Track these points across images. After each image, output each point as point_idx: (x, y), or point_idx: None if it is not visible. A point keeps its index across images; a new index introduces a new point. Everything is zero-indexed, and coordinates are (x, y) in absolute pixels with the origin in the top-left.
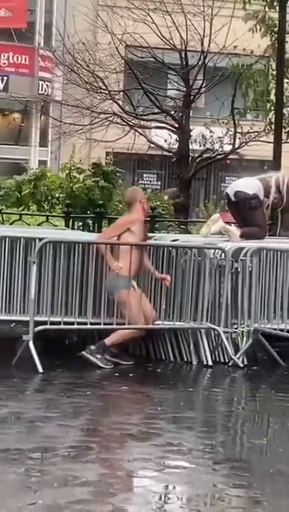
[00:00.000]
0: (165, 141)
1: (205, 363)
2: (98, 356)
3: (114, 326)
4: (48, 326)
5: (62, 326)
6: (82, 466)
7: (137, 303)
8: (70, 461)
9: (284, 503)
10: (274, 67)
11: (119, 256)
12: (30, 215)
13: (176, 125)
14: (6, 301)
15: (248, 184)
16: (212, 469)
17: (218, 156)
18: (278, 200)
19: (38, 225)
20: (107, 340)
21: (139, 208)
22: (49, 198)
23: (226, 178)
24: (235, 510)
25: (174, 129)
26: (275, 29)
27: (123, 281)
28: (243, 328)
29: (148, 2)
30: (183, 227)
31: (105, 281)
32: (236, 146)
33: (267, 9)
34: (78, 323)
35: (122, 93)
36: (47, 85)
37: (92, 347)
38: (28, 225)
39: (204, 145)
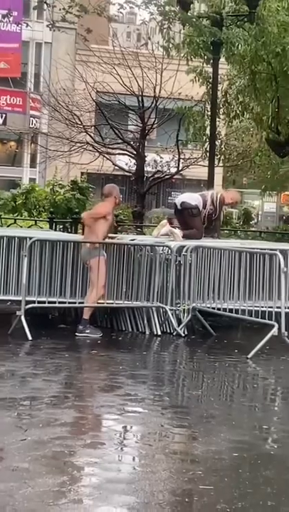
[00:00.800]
0: (126, 164)
1: (155, 333)
2: (87, 331)
3: (86, 305)
4: (35, 305)
5: (46, 305)
6: (62, 411)
7: (105, 270)
8: (52, 407)
9: (214, 439)
10: (209, 109)
11: (94, 232)
12: (22, 219)
13: (135, 152)
14: (3, 285)
15: (191, 197)
16: (160, 413)
17: (166, 176)
18: (213, 211)
19: (29, 227)
20: (85, 315)
21: (113, 201)
22: (37, 206)
23: (172, 193)
24: (178, 445)
25: (133, 155)
26: (210, 80)
27: (95, 252)
28: (184, 306)
29: (114, 58)
30: (139, 229)
31: (81, 252)
32: (180, 168)
33: (204, 65)
34: (59, 302)
35: (93, 127)
36: (36, 121)
37: (80, 327)
38: (21, 227)
39: (156, 168)
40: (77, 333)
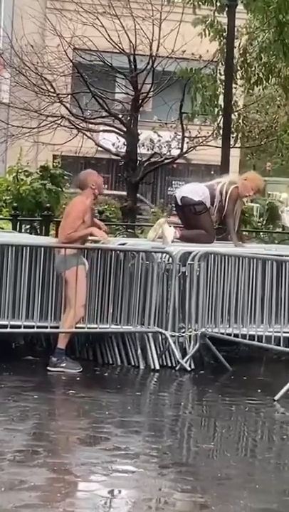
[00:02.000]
0: (113, 144)
1: (152, 367)
2: (63, 365)
3: (61, 330)
4: None
5: (8, 330)
6: (30, 470)
7: (85, 284)
8: (17, 465)
9: (231, 508)
10: (222, 71)
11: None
12: None
13: (124, 129)
14: None
15: (194, 190)
16: (159, 474)
17: (166, 161)
18: (222, 207)
19: None
20: (60, 344)
21: (90, 194)
22: None
23: (173, 182)
24: None
25: (122, 133)
26: (224, 34)
27: (72, 260)
28: (190, 332)
29: (97, 6)
30: (130, 230)
31: (55, 262)
32: (184, 150)
33: (216, 14)
34: (25, 327)
35: (70, 96)
36: None
37: (53, 359)
38: None
39: (152, 149)
40: (49, 367)
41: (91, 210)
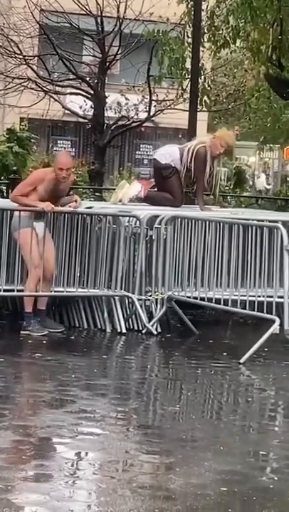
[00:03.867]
0: (80, 107)
1: (119, 330)
2: (29, 328)
3: (26, 294)
4: None
5: None
6: None
7: (35, 245)
8: None
9: (196, 469)
10: (190, 34)
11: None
12: None
13: (92, 91)
14: None
15: (165, 152)
16: (125, 436)
17: (134, 124)
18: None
19: None
20: (26, 307)
21: (52, 173)
22: None
23: (141, 145)
24: (147, 476)
25: (89, 96)
26: None
27: (23, 221)
28: (157, 295)
29: None
30: (98, 194)
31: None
32: (151, 113)
33: None
34: None
35: (36, 58)
36: None
37: (24, 323)
38: None
39: (119, 112)
40: (21, 332)
41: (50, 186)
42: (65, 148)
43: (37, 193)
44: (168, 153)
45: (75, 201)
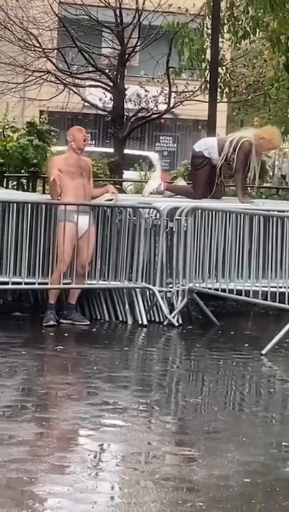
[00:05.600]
0: (100, 99)
1: (140, 322)
2: (45, 319)
3: (49, 286)
4: None
5: None
6: (18, 425)
7: (70, 239)
8: (6, 420)
9: (218, 461)
10: (209, 25)
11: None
12: None
13: (111, 84)
14: None
15: (200, 143)
16: (147, 428)
17: (153, 116)
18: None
19: None
20: (50, 299)
21: (69, 146)
22: None
23: (161, 137)
24: (170, 468)
25: (109, 88)
26: None
27: (60, 215)
28: (178, 287)
29: None
30: (118, 186)
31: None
32: (171, 105)
33: None
34: (13, 283)
35: (56, 51)
36: None
37: (45, 314)
38: None
39: (139, 104)
40: (44, 323)
41: (70, 161)
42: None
43: (63, 174)
44: (204, 143)
45: (113, 193)
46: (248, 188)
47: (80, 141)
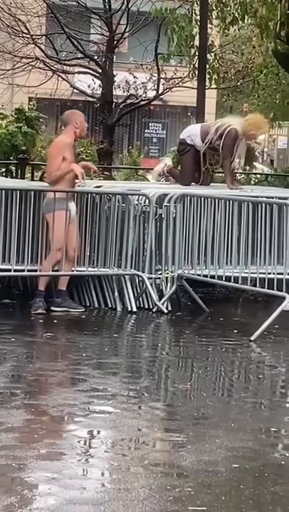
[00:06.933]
0: (88, 86)
1: (129, 309)
2: (34, 305)
3: (37, 274)
4: None
5: None
6: (7, 412)
7: (63, 227)
8: None
9: (207, 446)
10: (198, 11)
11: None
12: None
13: (100, 70)
14: None
15: (187, 128)
16: (136, 414)
17: (142, 102)
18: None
19: None
20: (40, 285)
21: (71, 131)
22: None
23: (150, 124)
24: (159, 454)
25: (98, 75)
26: None
27: (59, 204)
28: (167, 274)
29: None
30: (107, 173)
31: (42, 204)
32: (160, 91)
33: None
34: (2, 270)
35: (44, 37)
36: None
37: (33, 301)
38: None
39: (128, 91)
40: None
41: (72, 148)
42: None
43: (67, 162)
44: (187, 130)
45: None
46: (238, 175)
47: (84, 128)
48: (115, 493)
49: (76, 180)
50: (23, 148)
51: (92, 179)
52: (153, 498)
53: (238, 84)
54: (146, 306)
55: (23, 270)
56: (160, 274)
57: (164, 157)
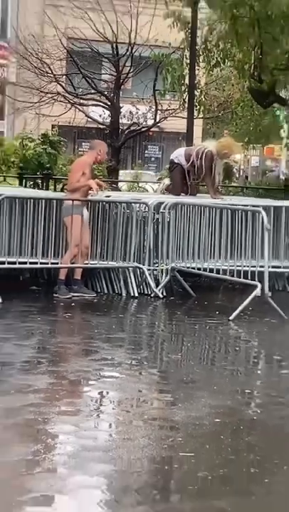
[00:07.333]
0: (100, 116)
1: (132, 294)
2: (59, 292)
3: (58, 266)
4: (5, 265)
5: (17, 265)
6: (34, 376)
7: (79, 228)
8: (24, 373)
9: (194, 405)
10: (187, 56)
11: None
12: None
13: (109, 103)
14: None
15: (174, 151)
16: (138, 379)
17: (143, 129)
18: (198, 168)
19: None
20: (61, 275)
21: (94, 155)
22: (6, 161)
23: (149, 146)
24: (156, 411)
25: (107, 106)
26: (189, 25)
27: (76, 209)
28: (163, 266)
29: (86, 2)
30: (114, 185)
31: (62, 209)
32: (157, 120)
33: (183, 9)
34: (30, 263)
35: (64, 77)
36: (3, 70)
37: (55, 288)
38: None
39: (131, 119)
40: (54, 295)
41: (91, 167)
42: (88, 149)
43: (85, 177)
44: (175, 152)
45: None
46: (219, 187)
47: (104, 157)
48: (121, 442)
49: (90, 191)
50: (48, 165)
51: (102, 191)
52: (151, 446)
53: (220, 114)
54: (146, 292)
55: (47, 263)
56: (157, 266)
57: (163, 179)
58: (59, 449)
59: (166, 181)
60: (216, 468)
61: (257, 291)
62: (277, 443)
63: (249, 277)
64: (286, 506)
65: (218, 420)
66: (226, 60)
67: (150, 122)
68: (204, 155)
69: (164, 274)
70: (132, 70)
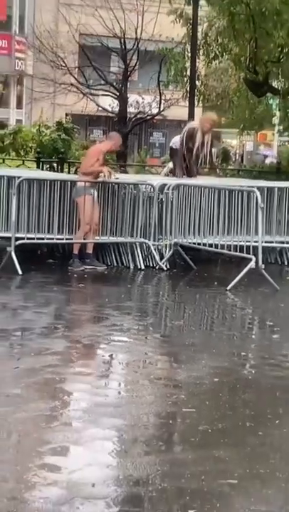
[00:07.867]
0: (109, 105)
1: (139, 267)
2: (73, 264)
3: (72, 241)
4: (25, 241)
5: (35, 241)
6: (52, 340)
7: (90, 207)
8: (43, 337)
9: (195, 366)
10: (189, 50)
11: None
12: (10, 159)
13: (117, 93)
14: None
15: (173, 138)
16: (144, 342)
17: (148, 117)
18: (197, 147)
19: (17, 167)
20: (74, 250)
21: (109, 145)
22: (24, 147)
23: (153, 133)
24: (160, 371)
25: (116, 97)
26: (190, 22)
27: (88, 189)
28: (166, 241)
29: (96, 0)
30: (123, 168)
31: (73, 190)
32: (161, 109)
33: (185, 6)
34: (47, 239)
35: (77, 69)
36: (21, 63)
37: (70, 261)
38: (10, 166)
39: (138, 108)
40: (69, 267)
41: (104, 155)
42: (98, 135)
43: (98, 163)
44: (173, 139)
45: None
46: (217, 170)
47: (118, 148)
48: (129, 399)
49: (100, 174)
50: (62, 150)
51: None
52: (157, 403)
53: (218, 103)
54: (151, 265)
55: (62, 239)
56: (161, 241)
57: (167, 163)
58: (74, 405)
59: (170, 165)
60: (215, 422)
61: (251, 264)
62: (269, 400)
63: (244, 251)
64: (278, 455)
65: (216, 379)
66: (224, 54)
67: (155, 111)
68: (186, 133)
69: (167, 249)
70: (138, 63)
